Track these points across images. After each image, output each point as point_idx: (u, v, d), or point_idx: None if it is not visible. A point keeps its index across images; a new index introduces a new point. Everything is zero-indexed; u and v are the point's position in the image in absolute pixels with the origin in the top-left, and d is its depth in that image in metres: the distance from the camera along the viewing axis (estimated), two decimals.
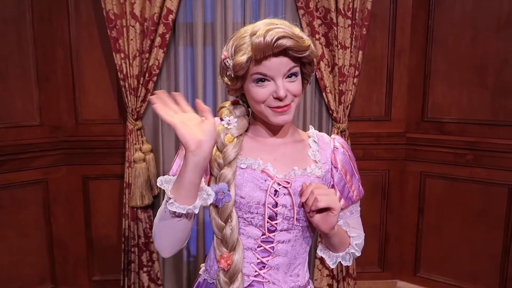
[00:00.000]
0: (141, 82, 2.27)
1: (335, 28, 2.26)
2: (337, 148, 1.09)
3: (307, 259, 1.09)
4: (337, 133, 2.40)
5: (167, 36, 2.23)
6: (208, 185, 0.97)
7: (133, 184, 2.33)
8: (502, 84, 2.28)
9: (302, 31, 1.15)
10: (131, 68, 2.25)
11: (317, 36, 2.28)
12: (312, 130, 1.14)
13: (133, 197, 2.32)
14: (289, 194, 0.98)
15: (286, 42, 0.89)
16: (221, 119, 1.05)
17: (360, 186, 1.12)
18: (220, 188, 0.94)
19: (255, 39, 0.90)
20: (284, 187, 0.98)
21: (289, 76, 0.95)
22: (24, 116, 2.31)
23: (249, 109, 1.07)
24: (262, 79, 0.94)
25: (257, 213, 0.97)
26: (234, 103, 1.08)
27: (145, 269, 2.41)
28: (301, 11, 2.27)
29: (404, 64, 2.53)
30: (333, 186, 1.07)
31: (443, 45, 2.42)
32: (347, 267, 2.46)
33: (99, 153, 2.47)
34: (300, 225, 1.00)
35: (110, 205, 2.52)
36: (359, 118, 2.55)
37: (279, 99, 0.94)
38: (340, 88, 2.34)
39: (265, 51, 0.90)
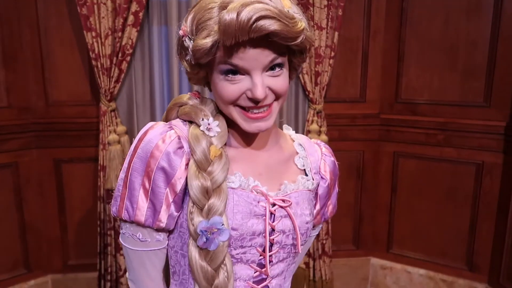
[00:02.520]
0: (114, 62, 2.21)
1: (311, 8, 2.26)
2: (326, 154, 0.90)
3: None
4: (313, 115, 2.42)
5: (141, 14, 2.17)
6: (189, 218, 0.72)
7: (108, 166, 2.29)
8: (471, 66, 2.35)
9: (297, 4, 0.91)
10: (103, 47, 2.18)
11: None
12: (290, 131, 0.91)
13: (108, 179, 2.29)
14: (289, 215, 0.77)
15: (270, 25, 0.62)
16: (187, 122, 0.76)
17: (336, 203, 0.96)
18: (212, 224, 0.69)
19: (225, 16, 0.62)
20: (282, 207, 0.76)
21: (272, 69, 0.69)
22: None
23: None
24: (233, 71, 0.68)
25: (250, 246, 0.74)
26: (197, 97, 0.79)
27: (122, 251, 2.40)
28: None
29: (379, 46, 2.56)
30: (316, 197, 0.89)
31: (416, 27, 2.46)
32: (323, 245, 2.52)
33: (71, 135, 2.40)
34: (295, 251, 0.81)
35: (84, 188, 2.47)
36: (334, 99, 2.58)
37: (255, 101, 0.69)
38: (316, 69, 2.35)
39: (237, 36, 0.63)
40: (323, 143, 0.94)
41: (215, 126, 0.73)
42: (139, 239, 0.75)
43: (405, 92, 2.56)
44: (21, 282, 2.40)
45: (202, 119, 0.73)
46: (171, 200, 0.73)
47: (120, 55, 2.20)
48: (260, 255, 0.76)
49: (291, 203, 0.77)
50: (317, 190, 0.88)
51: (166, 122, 0.79)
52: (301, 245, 0.79)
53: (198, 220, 0.70)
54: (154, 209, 0.73)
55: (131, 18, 2.15)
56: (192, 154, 0.72)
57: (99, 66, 2.20)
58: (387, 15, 2.52)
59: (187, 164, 0.72)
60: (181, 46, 0.73)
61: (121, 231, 0.78)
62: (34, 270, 2.47)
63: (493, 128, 2.30)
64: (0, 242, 2.32)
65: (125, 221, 0.75)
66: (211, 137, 0.73)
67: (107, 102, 2.27)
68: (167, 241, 0.78)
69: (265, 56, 0.67)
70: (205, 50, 0.66)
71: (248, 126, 0.72)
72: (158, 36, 2.31)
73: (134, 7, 2.14)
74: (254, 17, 0.61)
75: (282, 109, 2.42)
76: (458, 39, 2.36)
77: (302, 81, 2.38)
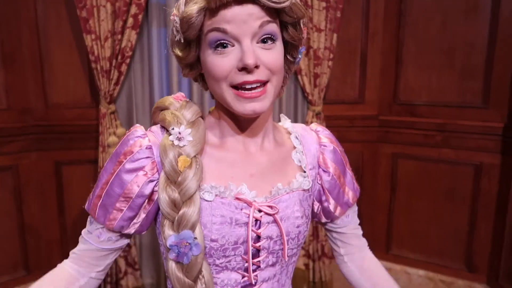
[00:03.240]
0: (113, 64, 2.22)
1: (310, 10, 2.27)
2: (324, 145, 0.85)
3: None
4: (313, 116, 2.43)
5: (140, 17, 2.17)
6: (161, 232, 0.70)
7: None
8: (469, 67, 2.36)
9: None
10: (102, 49, 2.19)
11: None
12: (287, 122, 0.87)
13: None
14: (276, 222, 0.74)
15: None
16: (164, 129, 0.74)
17: (355, 184, 0.90)
18: (182, 238, 0.67)
19: None
20: (268, 214, 0.73)
21: (263, 41, 0.66)
22: None
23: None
24: (222, 42, 0.65)
25: (234, 254, 0.73)
26: (180, 100, 0.77)
27: (121, 253, 2.40)
28: None
29: (377, 48, 2.57)
30: (323, 192, 0.85)
31: (414, 28, 2.47)
32: (322, 246, 2.53)
33: (71, 138, 2.40)
34: (288, 255, 0.77)
35: (84, 190, 2.47)
36: (333, 101, 2.59)
37: (246, 69, 0.65)
38: (315, 71, 2.36)
39: None
40: (322, 129, 0.89)
41: (187, 135, 0.70)
42: (87, 230, 0.78)
43: (403, 93, 2.57)
44: (20, 284, 2.40)
45: (173, 128, 0.70)
46: (124, 206, 0.72)
47: (119, 57, 2.20)
48: (247, 262, 0.74)
49: (278, 210, 0.74)
50: (322, 184, 0.84)
51: (154, 124, 0.79)
52: (292, 249, 0.77)
53: (168, 234, 0.68)
54: (106, 209, 0.73)
55: (130, 20, 2.16)
56: (162, 166, 0.70)
57: (99, 68, 2.21)
58: (385, 16, 2.54)
59: (156, 172, 0.72)
60: (172, 32, 0.71)
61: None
62: (34, 271, 2.47)
63: (491, 129, 2.31)
64: (0, 243, 2.32)
65: (87, 210, 0.77)
66: (181, 147, 0.69)
67: (106, 105, 2.27)
68: (110, 245, 0.77)
69: (254, 19, 0.64)
70: (191, 17, 0.64)
71: (242, 107, 0.67)
72: (157, 38, 2.32)
73: (133, 9, 2.15)
74: None
75: (281, 110, 2.43)
76: (455, 40, 2.37)
77: (301, 82, 2.39)
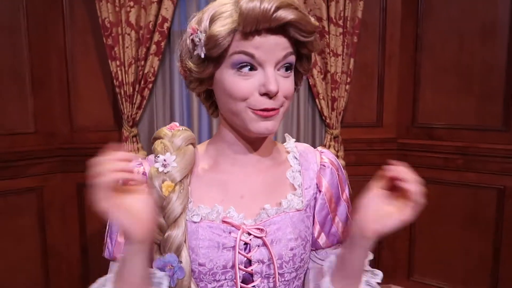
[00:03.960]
0: (136, 89, 2.30)
1: (327, 36, 2.32)
2: (324, 165, 0.83)
3: None
4: (331, 139, 2.44)
5: (162, 44, 2.26)
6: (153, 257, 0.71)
7: None
8: (488, 90, 2.34)
9: None
10: (126, 75, 2.27)
11: None
12: (290, 142, 0.86)
13: None
14: (265, 245, 0.72)
15: (291, 14, 0.63)
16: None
17: (350, 220, 0.83)
18: (167, 261, 0.69)
19: (247, 4, 0.63)
20: (257, 237, 0.72)
21: (285, 69, 0.69)
22: (18, 123, 2.31)
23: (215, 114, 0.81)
24: (247, 64, 0.67)
25: (225, 279, 0.72)
26: (173, 129, 0.79)
27: None
28: None
29: (394, 71, 2.59)
30: (313, 217, 0.81)
31: (431, 52, 2.49)
32: None
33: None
34: (285, 279, 0.75)
35: None
36: (351, 124, 2.60)
37: (268, 95, 0.67)
38: (332, 95, 2.39)
39: (259, 22, 0.63)
40: (327, 151, 0.87)
41: (171, 161, 0.72)
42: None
43: (421, 116, 2.56)
44: None
45: (159, 156, 0.73)
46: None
47: (142, 82, 2.28)
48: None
49: (266, 232, 0.73)
50: (315, 206, 0.81)
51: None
52: (289, 272, 0.74)
53: (155, 257, 0.70)
54: (111, 243, 0.76)
55: (153, 47, 2.25)
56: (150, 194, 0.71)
57: (122, 93, 2.29)
58: (401, 40, 2.56)
59: None
60: (187, 45, 0.72)
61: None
62: None
63: None
64: (22, 265, 2.37)
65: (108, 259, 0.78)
66: (166, 173, 0.72)
67: (129, 128, 2.34)
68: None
69: (280, 49, 0.67)
70: (220, 37, 0.65)
71: (257, 125, 0.69)
72: None
73: (156, 37, 2.24)
74: (275, 5, 0.62)
75: (299, 133, 2.45)
76: (473, 63, 2.37)
77: (319, 106, 2.41)
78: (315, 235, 0.81)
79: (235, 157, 0.77)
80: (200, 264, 0.71)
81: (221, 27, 0.65)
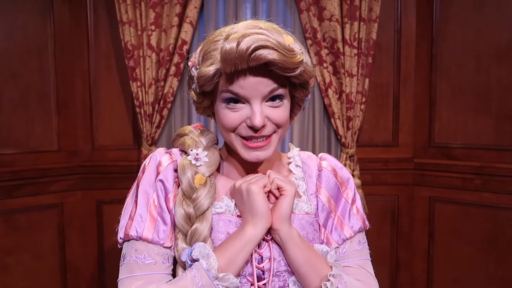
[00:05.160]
0: (156, 109, 2.37)
1: (342, 57, 2.36)
2: (321, 170, 0.87)
3: None
4: (346, 159, 2.45)
5: (181, 65, 2.34)
6: (175, 244, 0.76)
7: None
8: (505, 110, 2.33)
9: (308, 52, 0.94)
10: (146, 95, 2.35)
11: (324, 64, 2.37)
12: (293, 151, 0.90)
13: None
14: (269, 243, 0.77)
15: (268, 55, 0.66)
16: (184, 152, 0.81)
17: (355, 216, 0.86)
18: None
19: (226, 45, 0.67)
20: (265, 239, 0.76)
21: (272, 99, 0.73)
22: (43, 142, 2.40)
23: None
24: (234, 99, 0.72)
25: (240, 275, 0.75)
26: (199, 128, 0.85)
27: None
28: (309, 41, 2.38)
29: (410, 91, 2.61)
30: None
31: (447, 72, 2.50)
32: None
33: (113, 177, 2.53)
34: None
35: None
36: (367, 143, 2.60)
37: (254, 129, 0.72)
38: (348, 115, 2.41)
39: (237, 64, 0.66)
40: (328, 156, 0.90)
41: (203, 156, 0.77)
42: (144, 261, 0.75)
43: (438, 136, 2.55)
44: None
45: (192, 150, 0.78)
46: (169, 221, 0.77)
47: (161, 102, 2.36)
48: (251, 285, 0.75)
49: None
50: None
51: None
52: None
53: (182, 247, 0.73)
54: (161, 226, 0.76)
55: (173, 69, 2.33)
56: (179, 183, 0.77)
57: (142, 113, 2.36)
58: (416, 61, 2.59)
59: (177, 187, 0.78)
60: (189, 76, 0.79)
61: (121, 262, 0.79)
62: None
63: None
64: (43, 280, 2.41)
65: (130, 239, 0.77)
66: (198, 166, 0.76)
67: (148, 146, 2.40)
68: (170, 267, 0.78)
69: (264, 86, 0.70)
70: (207, 77, 0.71)
71: (247, 154, 0.75)
72: None
73: (176, 58, 2.32)
74: (253, 46, 0.65)
75: (314, 152, 2.46)
76: (490, 84, 2.37)
77: (334, 125, 2.44)
78: (322, 237, 0.85)
79: (243, 170, 0.83)
80: None
81: (209, 67, 0.71)
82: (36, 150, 2.38)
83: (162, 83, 2.34)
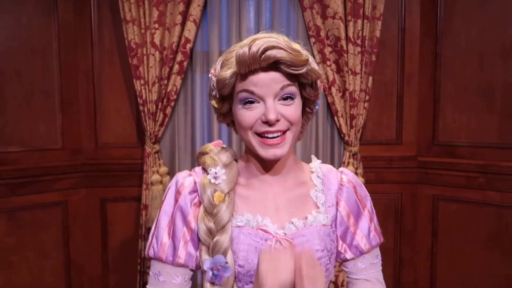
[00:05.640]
0: (159, 107, 2.37)
1: (345, 55, 2.36)
2: (342, 185, 0.92)
3: None
4: (349, 157, 2.44)
5: (185, 63, 2.34)
6: (199, 256, 0.83)
7: (150, 205, 2.38)
8: (509, 108, 2.32)
9: (313, 57, 1.00)
10: (150, 94, 2.35)
11: (328, 62, 2.37)
12: (315, 163, 0.96)
13: (150, 218, 2.38)
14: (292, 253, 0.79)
15: (276, 53, 0.74)
16: (204, 170, 0.88)
17: (373, 231, 0.93)
18: (216, 262, 0.79)
19: (239, 50, 0.76)
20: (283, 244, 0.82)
21: (284, 99, 0.79)
22: (47, 140, 2.41)
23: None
24: (250, 99, 0.79)
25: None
26: (218, 146, 0.92)
27: None
28: (313, 39, 2.38)
29: (414, 89, 2.60)
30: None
31: (451, 70, 2.49)
32: None
33: (117, 175, 2.54)
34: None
35: (126, 226, 2.57)
36: (370, 141, 2.60)
37: (268, 123, 0.78)
38: (351, 113, 2.41)
39: (250, 64, 0.75)
40: (347, 171, 0.96)
41: (221, 174, 0.84)
42: (159, 279, 0.85)
43: (442, 134, 2.54)
44: None
45: (211, 169, 0.85)
46: (188, 238, 0.84)
47: (165, 101, 2.36)
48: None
49: (292, 240, 0.82)
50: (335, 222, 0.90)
51: (198, 166, 0.93)
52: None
53: (205, 258, 0.80)
54: (174, 246, 0.84)
55: (176, 67, 2.33)
56: (201, 201, 0.84)
57: (146, 111, 2.37)
58: (420, 59, 2.58)
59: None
60: (210, 87, 0.86)
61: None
62: None
63: None
64: (48, 277, 2.43)
65: (151, 258, 0.87)
66: (217, 184, 0.83)
67: (151, 145, 2.41)
68: (184, 283, 0.86)
69: (276, 83, 0.77)
70: (225, 79, 0.79)
71: (264, 152, 0.80)
72: (200, 83, 2.47)
73: (179, 57, 2.32)
74: (263, 47, 0.74)
75: (317, 150, 2.46)
76: (494, 82, 2.36)
77: (338, 123, 2.43)
78: (339, 248, 0.91)
79: (262, 177, 0.89)
80: (239, 266, 0.81)
81: (226, 71, 0.79)
82: (40, 148, 2.39)
83: (165, 81, 2.35)
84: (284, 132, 0.80)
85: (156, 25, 2.30)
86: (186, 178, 0.88)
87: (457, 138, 2.49)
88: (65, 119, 2.47)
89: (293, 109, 0.80)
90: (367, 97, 2.44)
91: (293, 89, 0.80)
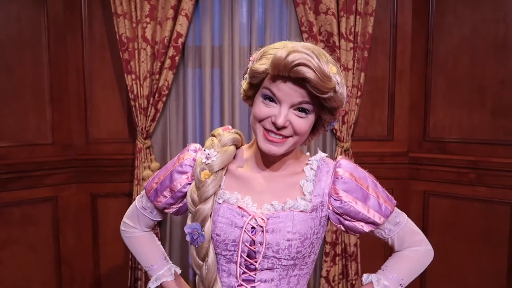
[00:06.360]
0: (151, 102, 2.35)
1: (337, 51, 2.35)
2: (337, 178, 0.96)
3: None
4: (341, 152, 2.45)
5: (177, 58, 2.32)
6: (187, 221, 0.96)
7: None
8: (500, 104, 2.34)
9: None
10: (141, 88, 2.34)
11: None
12: (317, 155, 1.02)
13: None
14: (263, 232, 0.90)
15: (306, 72, 0.79)
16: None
17: (383, 204, 0.99)
18: (194, 228, 0.91)
19: (278, 53, 0.81)
20: (260, 225, 0.91)
21: (299, 110, 0.86)
22: (37, 135, 2.39)
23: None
24: (270, 97, 0.86)
25: (234, 250, 0.92)
26: (225, 130, 1.02)
27: None
28: (305, 35, 2.37)
29: (405, 86, 2.61)
30: (339, 215, 0.97)
31: (442, 67, 2.50)
32: (352, 286, 2.47)
33: (108, 171, 2.52)
34: (282, 264, 0.92)
35: (118, 222, 2.52)
36: (362, 137, 2.61)
37: (275, 126, 0.86)
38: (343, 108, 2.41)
39: (280, 70, 0.81)
40: (343, 161, 0.99)
41: (213, 156, 0.95)
42: (142, 204, 1.09)
43: (433, 130, 2.56)
44: None
45: (205, 150, 0.97)
46: (169, 194, 1.02)
47: (156, 95, 2.34)
48: (245, 260, 0.92)
49: (266, 220, 0.91)
50: (333, 210, 0.97)
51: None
52: (286, 259, 0.92)
53: (187, 223, 0.94)
54: (157, 193, 1.03)
55: (168, 62, 2.31)
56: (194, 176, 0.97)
57: (137, 106, 2.35)
58: (412, 55, 2.59)
59: (193, 178, 0.98)
60: (246, 68, 0.93)
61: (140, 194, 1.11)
62: None
63: None
64: (38, 273, 2.41)
65: (145, 189, 1.08)
66: (207, 164, 0.94)
67: (143, 140, 2.39)
68: (156, 218, 1.11)
69: (297, 96, 0.83)
70: (257, 71, 0.87)
71: (263, 144, 0.89)
72: (192, 78, 2.46)
73: (171, 51, 2.30)
74: (296, 62, 0.79)
75: (309, 146, 2.47)
76: (485, 78, 2.37)
77: None
78: (359, 226, 0.98)
79: (258, 163, 0.98)
80: (217, 234, 0.93)
81: (260, 65, 0.86)
82: (30, 143, 2.36)
83: (157, 76, 2.33)
84: (287, 137, 0.88)
85: (148, 19, 2.28)
86: (189, 151, 1.02)
87: (448, 134, 2.51)
88: (55, 113, 2.44)
89: (303, 123, 0.86)
90: (359, 93, 2.44)
91: (310, 107, 0.86)
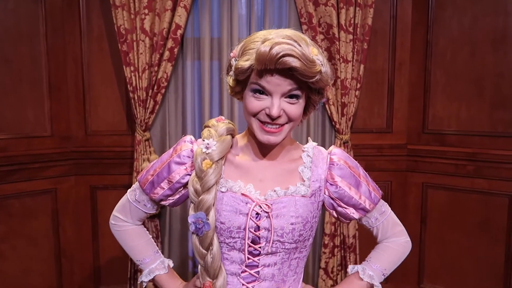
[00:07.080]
0: (149, 94, 2.35)
1: (337, 42, 2.35)
2: (333, 164, 1.01)
3: (300, 279, 1.05)
4: (340, 145, 2.45)
5: (176, 50, 2.31)
6: (189, 211, 0.97)
7: None
8: (499, 97, 2.34)
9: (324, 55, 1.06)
10: (140, 80, 2.33)
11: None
12: (309, 144, 1.06)
13: None
14: (269, 217, 0.93)
15: (292, 62, 0.81)
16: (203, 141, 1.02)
17: (372, 192, 1.04)
18: (198, 217, 0.92)
19: (261, 48, 0.83)
20: (265, 211, 0.94)
21: (290, 97, 0.88)
22: (36, 127, 2.38)
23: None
24: (260, 90, 0.88)
25: (238, 237, 0.94)
26: (219, 121, 1.03)
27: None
28: (304, 26, 2.36)
29: (405, 78, 2.61)
30: (333, 201, 1.02)
31: (442, 59, 2.50)
32: None
33: (107, 163, 2.52)
34: (285, 247, 0.96)
35: None
36: (361, 130, 2.61)
37: (270, 117, 0.88)
38: (342, 101, 2.41)
39: (266, 64, 0.83)
40: (337, 150, 1.05)
41: (213, 145, 0.96)
42: (135, 197, 1.07)
43: (432, 122, 2.56)
44: None
45: (204, 140, 0.97)
46: (166, 186, 1.01)
47: (155, 87, 2.33)
48: (249, 246, 0.94)
49: (271, 206, 0.94)
50: (330, 195, 1.02)
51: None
52: (289, 242, 0.95)
53: (191, 213, 0.94)
54: (153, 185, 1.03)
55: (166, 53, 2.30)
56: (194, 166, 0.97)
57: (136, 98, 2.34)
58: (412, 47, 2.58)
59: (192, 169, 0.98)
60: (229, 65, 0.95)
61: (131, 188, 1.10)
62: None
63: None
64: (38, 266, 2.42)
65: (138, 181, 1.08)
66: (208, 153, 0.95)
67: (142, 132, 2.39)
68: (151, 211, 1.10)
69: (286, 85, 0.86)
70: (243, 69, 0.88)
71: (261, 136, 0.91)
72: (191, 70, 2.45)
73: (170, 43, 2.29)
74: (281, 53, 0.81)
75: (301, 136, 2.47)
76: (484, 71, 2.37)
77: (329, 111, 2.44)
78: (349, 213, 1.03)
79: (257, 151, 1.00)
80: (221, 223, 0.94)
81: (245, 62, 0.87)
82: (29, 136, 2.35)
83: (156, 68, 2.32)
84: (282, 124, 0.90)
85: (146, 11, 2.26)
86: (185, 143, 1.02)
87: (447, 126, 2.52)
88: (53, 106, 2.43)
89: (295, 108, 0.89)
90: (359, 85, 2.44)
91: (300, 92, 0.89)
